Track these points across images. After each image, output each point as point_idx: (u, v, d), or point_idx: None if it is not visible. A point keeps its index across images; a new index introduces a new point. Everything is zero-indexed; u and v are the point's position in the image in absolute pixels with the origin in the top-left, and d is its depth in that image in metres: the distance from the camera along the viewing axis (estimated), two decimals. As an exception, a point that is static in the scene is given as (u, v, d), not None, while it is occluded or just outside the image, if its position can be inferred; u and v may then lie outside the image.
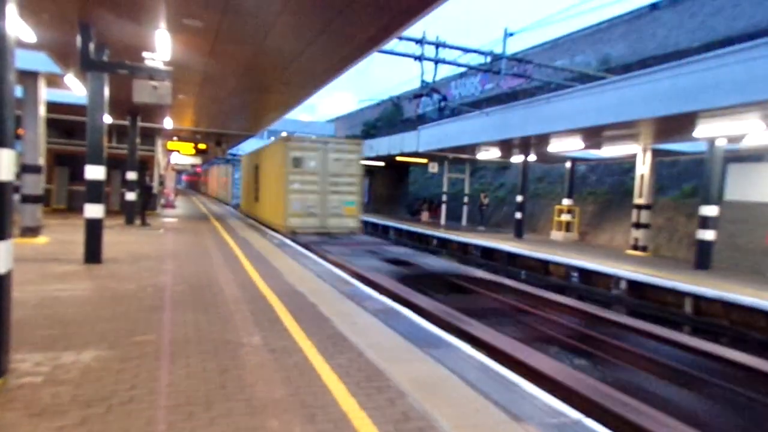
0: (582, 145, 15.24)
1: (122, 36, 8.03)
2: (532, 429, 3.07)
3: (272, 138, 55.09)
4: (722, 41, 16.81)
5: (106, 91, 8.15)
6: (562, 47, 28.82)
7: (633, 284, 10.69)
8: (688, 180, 17.50)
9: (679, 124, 11.37)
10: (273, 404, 3.20)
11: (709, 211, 12.26)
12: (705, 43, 19.34)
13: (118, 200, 19.97)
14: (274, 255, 10.18)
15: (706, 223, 12.27)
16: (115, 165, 18.40)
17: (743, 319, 8.66)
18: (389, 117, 44.47)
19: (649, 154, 15.36)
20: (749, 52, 8.88)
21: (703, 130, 11.28)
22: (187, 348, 4.17)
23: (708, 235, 12.26)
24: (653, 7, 23.76)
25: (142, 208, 15.26)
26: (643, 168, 15.51)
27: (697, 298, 9.41)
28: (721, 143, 12.06)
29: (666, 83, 10.37)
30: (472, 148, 19.43)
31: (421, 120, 29.60)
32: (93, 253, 8.01)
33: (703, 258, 12.30)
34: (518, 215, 18.84)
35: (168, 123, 17.91)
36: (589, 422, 3.26)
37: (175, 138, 20.93)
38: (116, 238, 11.28)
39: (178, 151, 21.09)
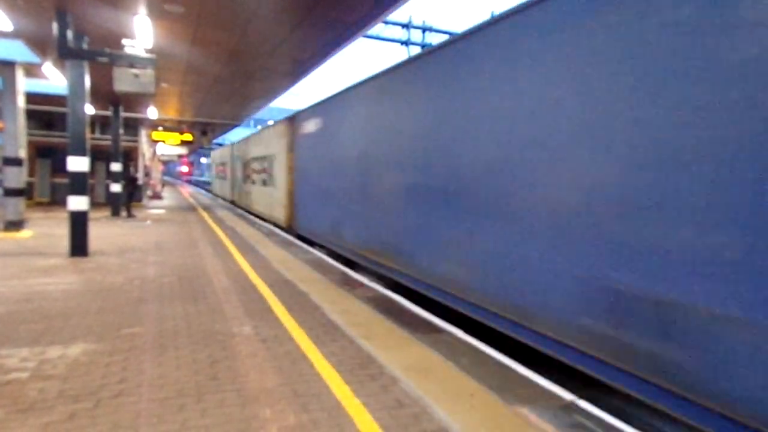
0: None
1: (102, 23, 7.82)
2: (526, 412, 3.08)
3: (259, 126, 54.82)
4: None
5: (87, 80, 7.96)
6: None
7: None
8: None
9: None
10: (265, 394, 3.17)
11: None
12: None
13: (103, 192, 19.70)
14: (263, 244, 10.11)
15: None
16: (99, 156, 18.11)
17: None
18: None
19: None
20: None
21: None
22: (176, 339, 4.12)
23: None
24: None
25: (127, 200, 15.05)
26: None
27: None
28: None
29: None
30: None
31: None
32: (78, 246, 7.88)
33: None
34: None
35: (152, 113, 17.62)
36: (583, 403, 3.28)
37: (160, 128, 20.62)
38: (102, 231, 11.12)
39: (163, 141, 20.80)
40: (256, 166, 16.80)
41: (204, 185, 54.11)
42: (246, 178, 19.01)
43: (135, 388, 3.18)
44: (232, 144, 24.02)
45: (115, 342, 4.01)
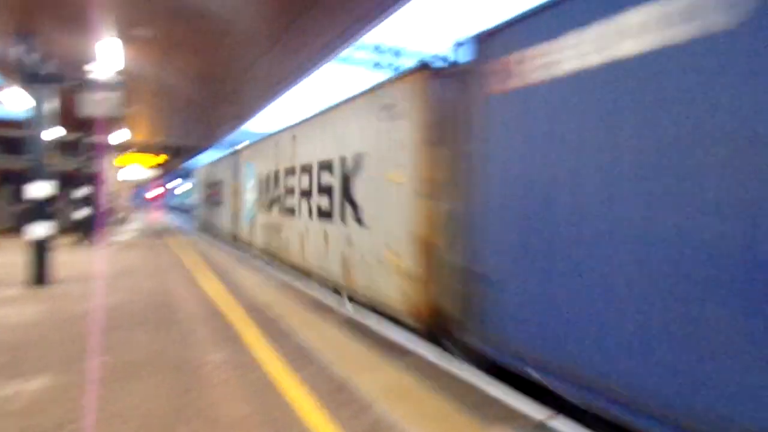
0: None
1: (68, 47, 7.72)
2: (499, 432, 3.08)
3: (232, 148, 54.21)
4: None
5: (55, 104, 7.81)
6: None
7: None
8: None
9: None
10: (238, 422, 3.09)
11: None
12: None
13: (68, 218, 19.13)
14: (234, 269, 9.95)
15: None
16: (65, 181, 17.63)
17: None
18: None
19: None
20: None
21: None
22: (144, 369, 4.00)
23: None
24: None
25: (93, 226, 14.65)
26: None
27: None
28: None
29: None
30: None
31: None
32: (40, 274, 7.61)
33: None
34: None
35: (121, 136, 17.33)
36: (558, 422, 3.30)
37: (129, 151, 20.26)
38: (66, 258, 10.78)
39: (133, 164, 20.43)
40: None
41: (183, 211, 51.38)
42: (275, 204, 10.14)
43: (100, 422, 3.06)
44: (239, 151, 13.78)
45: (79, 374, 3.86)
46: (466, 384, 3.91)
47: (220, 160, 17.50)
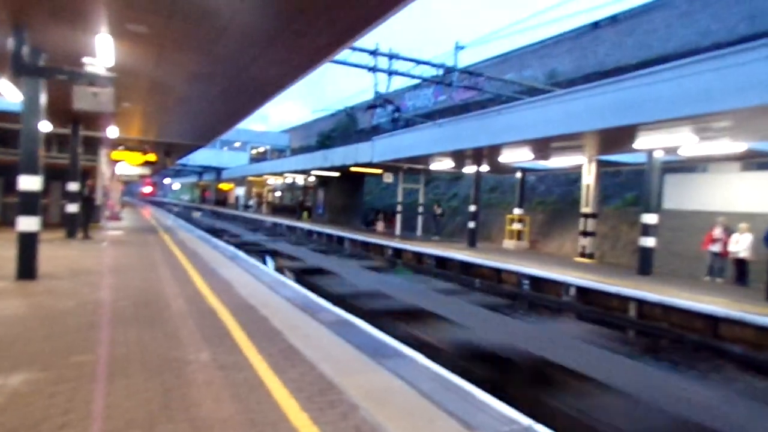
0: (531, 156, 15.72)
1: (61, 40, 7.65)
2: (484, 437, 3.08)
3: (225, 148, 54.20)
4: (657, 59, 17.85)
5: (43, 97, 7.73)
6: (512, 61, 29.81)
7: (581, 290, 11.05)
8: (630, 190, 18.37)
9: (620, 137, 11.93)
10: (220, 423, 3.07)
11: (650, 219, 12.88)
12: (642, 60, 20.48)
13: (59, 212, 18.94)
14: (225, 267, 9.90)
15: (647, 230, 12.87)
16: (56, 175, 17.46)
17: (681, 322, 9.10)
18: (344, 127, 44.57)
19: (594, 165, 16.01)
20: (680, 70, 9.45)
21: (642, 142, 11.88)
22: (128, 367, 3.96)
23: (649, 242, 12.87)
24: (595, 25, 25.00)
25: (84, 221, 14.51)
26: (589, 178, 16.15)
27: (640, 303, 9.82)
28: (659, 155, 12.73)
29: (607, 98, 10.88)
30: (426, 159, 19.67)
31: (376, 131, 29.82)
32: (27, 268, 7.52)
33: (644, 264, 12.88)
34: (471, 225, 19.20)
35: (113, 132, 17.19)
36: (540, 428, 3.31)
37: (121, 147, 20.10)
38: (55, 253, 10.67)
39: (124, 161, 20.26)
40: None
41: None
42: None
43: (80, 420, 3.02)
44: None
45: (62, 370, 3.82)
46: (455, 388, 3.91)
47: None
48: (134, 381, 3.67)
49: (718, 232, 12.18)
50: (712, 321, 8.62)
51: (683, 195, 14.28)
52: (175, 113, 14.42)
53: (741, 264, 11.75)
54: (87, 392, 3.43)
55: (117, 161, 21.15)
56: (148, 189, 61.40)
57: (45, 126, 8.03)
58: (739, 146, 11.47)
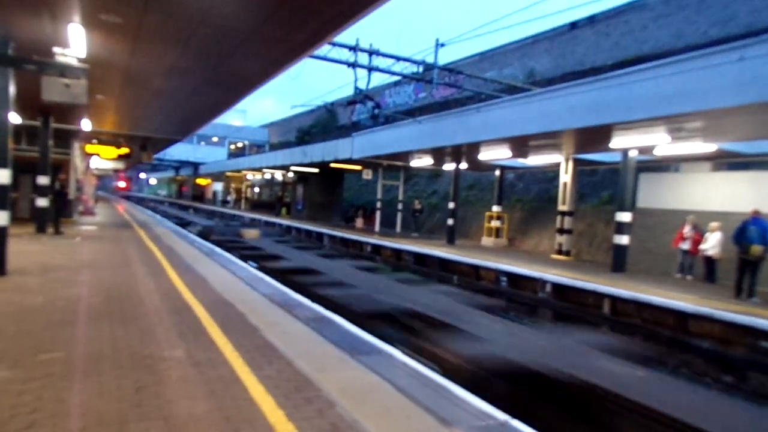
0: (510, 153, 15.87)
1: (31, 29, 7.41)
2: (459, 432, 3.11)
3: (203, 143, 53.38)
4: (633, 60, 18.18)
5: (12, 88, 7.50)
6: (492, 59, 30.00)
7: (557, 287, 11.22)
8: (606, 188, 18.70)
9: (596, 136, 12.12)
10: (194, 421, 3.03)
11: (624, 217, 13.13)
12: (618, 61, 20.83)
13: (28, 207, 18.42)
14: (202, 263, 9.76)
15: (621, 228, 13.12)
16: (26, 169, 16.96)
17: (653, 318, 9.32)
18: (324, 123, 44.27)
19: (571, 164, 16.25)
20: (655, 71, 9.66)
21: (618, 141, 12.10)
22: (100, 364, 3.88)
23: (623, 240, 13.13)
24: (573, 26, 25.32)
25: (55, 216, 14.14)
26: (566, 176, 16.39)
27: (614, 299, 10.02)
28: (634, 154, 12.98)
29: (584, 97, 11.04)
30: (406, 156, 19.71)
31: (356, 127, 29.70)
32: (-5, 264, 7.31)
33: (619, 261, 13.14)
34: (450, 222, 19.33)
35: (86, 124, 16.78)
36: (516, 423, 3.36)
37: (94, 141, 19.63)
38: (25, 248, 10.38)
39: (98, 155, 19.80)
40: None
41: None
42: None
43: (49, 418, 2.95)
44: None
45: (31, 368, 3.72)
46: (431, 384, 3.93)
47: None
48: (106, 378, 3.60)
49: (687, 230, 12.49)
50: (682, 317, 8.85)
51: (657, 194, 14.60)
52: (150, 106, 14.14)
53: (710, 262, 12.07)
54: (56, 390, 3.35)
55: (91, 155, 20.65)
56: (122, 184, 60.12)
57: (14, 118, 7.79)
58: (710, 147, 11.78)
